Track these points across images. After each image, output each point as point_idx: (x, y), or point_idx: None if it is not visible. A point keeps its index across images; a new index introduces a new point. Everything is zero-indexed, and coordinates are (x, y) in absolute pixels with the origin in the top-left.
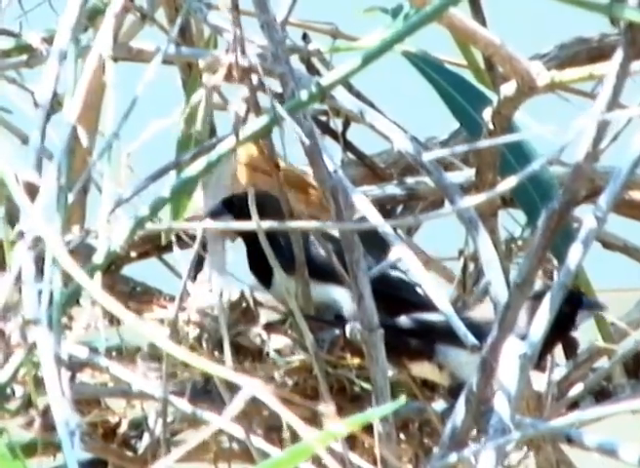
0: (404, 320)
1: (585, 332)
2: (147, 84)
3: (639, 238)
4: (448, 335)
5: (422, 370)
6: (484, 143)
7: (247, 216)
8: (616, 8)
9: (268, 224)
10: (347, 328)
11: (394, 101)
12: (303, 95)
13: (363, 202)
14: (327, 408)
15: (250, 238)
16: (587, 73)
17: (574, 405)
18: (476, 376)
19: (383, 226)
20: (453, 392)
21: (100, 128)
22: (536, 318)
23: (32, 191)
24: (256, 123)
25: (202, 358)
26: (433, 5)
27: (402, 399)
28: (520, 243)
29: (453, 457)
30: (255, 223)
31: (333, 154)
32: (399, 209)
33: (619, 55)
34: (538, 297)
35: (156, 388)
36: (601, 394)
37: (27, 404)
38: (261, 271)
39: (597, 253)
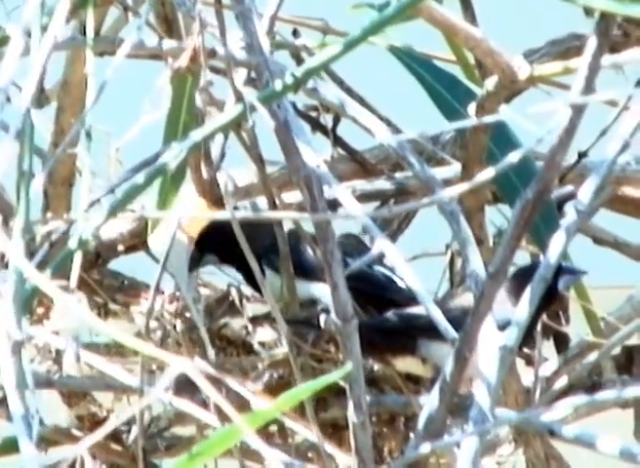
0: (389, 315)
1: (576, 328)
2: (142, 78)
3: (631, 234)
4: (429, 329)
5: (406, 364)
6: (455, 125)
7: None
8: None
9: (242, 214)
10: (322, 318)
11: (391, 99)
12: (278, 84)
13: (343, 193)
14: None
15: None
16: (563, 66)
17: None
18: (450, 366)
19: (362, 218)
20: None
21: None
22: (516, 309)
23: None
24: (228, 113)
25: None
26: None
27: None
28: None
29: (427, 447)
30: (229, 213)
31: (321, 150)
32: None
33: (591, 45)
34: (521, 276)
35: (137, 380)
36: (592, 389)
37: None
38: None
39: (588, 249)
